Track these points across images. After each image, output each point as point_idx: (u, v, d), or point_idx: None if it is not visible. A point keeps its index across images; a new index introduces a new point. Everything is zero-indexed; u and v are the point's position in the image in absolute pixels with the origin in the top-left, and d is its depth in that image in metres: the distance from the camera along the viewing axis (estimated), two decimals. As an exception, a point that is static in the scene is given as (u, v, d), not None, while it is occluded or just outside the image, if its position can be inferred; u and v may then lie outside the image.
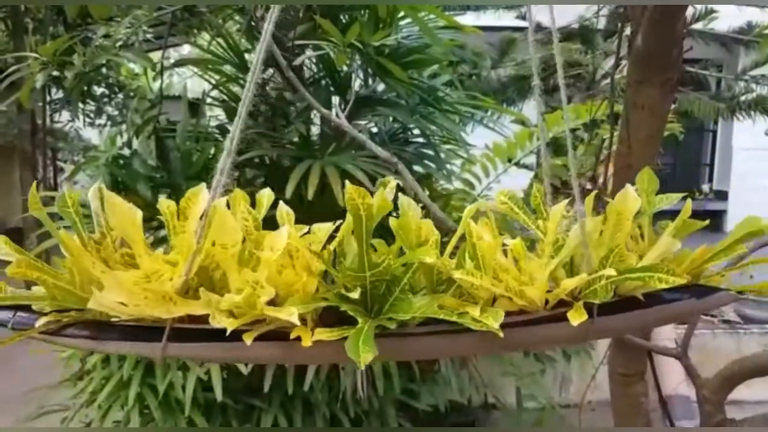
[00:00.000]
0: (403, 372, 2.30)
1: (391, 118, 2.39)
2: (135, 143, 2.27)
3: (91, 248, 0.60)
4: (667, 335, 2.08)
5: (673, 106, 3.13)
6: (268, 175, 2.25)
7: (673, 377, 1.91)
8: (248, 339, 0.54)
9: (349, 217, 0.59)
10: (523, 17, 3.72)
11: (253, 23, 2.09)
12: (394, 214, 0.62)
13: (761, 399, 2.31)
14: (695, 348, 2.10)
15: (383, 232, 0.61)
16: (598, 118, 2.49)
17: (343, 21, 2.10)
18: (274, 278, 0.56)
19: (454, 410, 2.72)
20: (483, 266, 0.59)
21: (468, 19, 3.37)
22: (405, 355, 0.71)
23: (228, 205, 0.61)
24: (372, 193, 0.59)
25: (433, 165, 2.33)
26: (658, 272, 0.55)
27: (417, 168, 2.28)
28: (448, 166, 2.48)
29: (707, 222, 0.64)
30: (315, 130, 2.39)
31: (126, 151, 2.29)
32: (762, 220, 0.59)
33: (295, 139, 2.19)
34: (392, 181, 0.63)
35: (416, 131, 2.42)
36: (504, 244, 0.61)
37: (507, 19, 3.89)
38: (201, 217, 0.59)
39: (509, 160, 3.06)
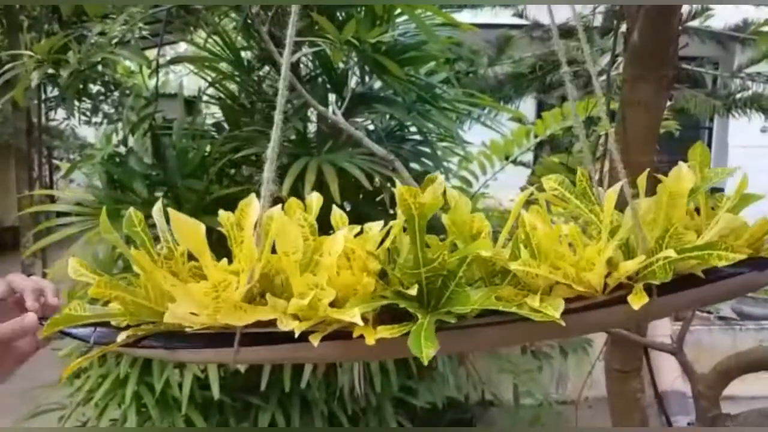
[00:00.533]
0: (400, 369, 2.31)
1: (387, 116, 2.39)
2: (131, 141, 2.27)
3: (161, 264, 0.63)
4: (662, 331, 2.08)
5: (669, 103, 3.13)
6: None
7: (668, 373, 1.92)
8: (315, 340, 0.56)
9: (400, 215, 0.60)
10: (520, 15, 3.72)
11: (249, 21, 2.08)
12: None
13: (756, 394, 2.32)
14: (691, 344, 2.11)
15: (429, 226, 0.61)
16: (594, 116, 2.49)
17: (340, 18, 2.10)
18: (334, 280, 0.58)
19: (452, 407, 2.72)
20: (539, 255, 0.60)
21: (465, 16, 3.37)
22: (466, 347, 0.75)
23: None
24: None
25: (430, 162, 2.33)
26: (717, 249, 0.55)
27: (414, 165, 2.28)
28: (445, 163, 2.49)
29: (765, 195, 0.64)
30: (312, 127, 2.39)
31: (122, 149, 2.28)
32: None
33: (292, 137, 2.19)
34: (439, 177, 0.63)
35: (413, 129, 2.42)
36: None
37: (504, 16, 3.89)
38: (255, 227, 0.61)
39: (506, 158, 3.07)
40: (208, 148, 2.23)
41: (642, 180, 0.65)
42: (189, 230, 0.61)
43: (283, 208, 0.64)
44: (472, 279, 0.62)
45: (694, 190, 0.62)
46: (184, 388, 2.08)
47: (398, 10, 2.03)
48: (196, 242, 0.61)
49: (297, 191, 1.79)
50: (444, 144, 2.51)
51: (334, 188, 1.79)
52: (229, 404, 2.21)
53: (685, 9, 2.95)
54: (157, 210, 0.66)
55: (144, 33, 2.42)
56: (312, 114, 2.33)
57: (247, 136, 2.16)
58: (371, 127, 2.39)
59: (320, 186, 1.80)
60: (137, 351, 0.65)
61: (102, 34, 2.00)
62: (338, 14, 2.11)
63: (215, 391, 2.05)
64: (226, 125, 2.41)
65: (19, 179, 5.52)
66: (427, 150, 2.36)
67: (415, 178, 1.79)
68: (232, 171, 2.29)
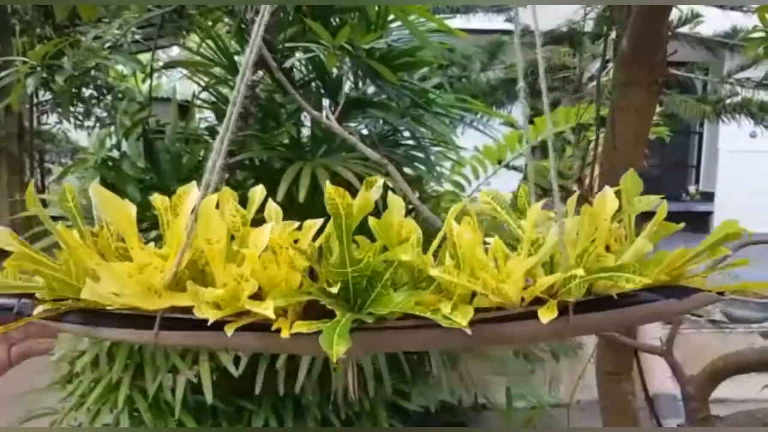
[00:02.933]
0: (394, 373, 2.32)
1: (381, 121, 2.40)
2: (124, 145, 2.27)
3: (89, 241, 0.63)
4: (653, 334, 2.10)
5: (659, 109, 3.16)
6: (259, 176, 2.26)
7: (659, 376, 1.94)
8: (229, 330, 0.57)
9: (332, 220, 0.61)
10: (511, 20, 3.75)
11: (243, 26, 2.09)
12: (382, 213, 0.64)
13: (747, 397, 2.34)
14: (681, 347, 2.13)
15: (369, 229, 0.63)
16: (585, 121, 2.51)
17: (334, 24, 2.11)
18: (259, 273, 0.58)
19: (445, 411, 2.73)
20: (462, 264, 0.60)
21: (458, 22, 3.40)
22: (381, 348, 0.73)
23: (217, 204, 0.64)
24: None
25: (423, 167, 2.34)
26: (625, 272, 0.56)
27: (407, 170, 2.29)
28: (438, 168, 2.50)
29: (682, 225, 0.66)
30: (305, 132, 2.40)
31: (115, 153, 2.28)
32: (737, 223, 0.61)
33: (286, 141, 2.20)
34: (379, 180, 0.64)
35: (406, 133, 2.43)
36: (485, 243, 0.62)
37: (496, 22, 3.92)
38: (192, 213, 0.62)
39: (499, 162, 3.09)
40: (201, 153, 2.23)
41: (572, 201, 0.66)
42: (117, 209, 0.62)
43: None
44: (400, 283, 0.63)
45: (620, 214, 0.64)
46: (177, 392, 2.08)
47: (392, 16, 2.05)
48: (124, 222, 0.62)
49: (291, 195, 1.80)
50: (437, 149, 2.53)
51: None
52: (222, 409, 2.21)
53: (674, 15, 2.99)
54: (92, 188, 0.65)
55: (137, 37, 2.42)
56: (306, 119, 2.34)
57: (241, 140, 2.17)
58: (365, 132, 2.40)
59: (314, 190, 1.81)
60: (59, 325, 0.65)
61: (96, 38, 2.00)
62: (332, 20, 2.12)
63: (208, 396, 2.05)
64: (219, 129, 2.41)
65: (11, 184, 5.49)
66: (421, 155, 2.37)
67: (409, 183, 1.81)
68: (226, 175, 2.29)
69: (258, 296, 0.58)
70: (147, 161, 2.21)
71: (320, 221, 0.64)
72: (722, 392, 1.39)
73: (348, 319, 0.57)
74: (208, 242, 0.59)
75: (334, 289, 0.58)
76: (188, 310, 0.59)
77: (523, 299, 0.59)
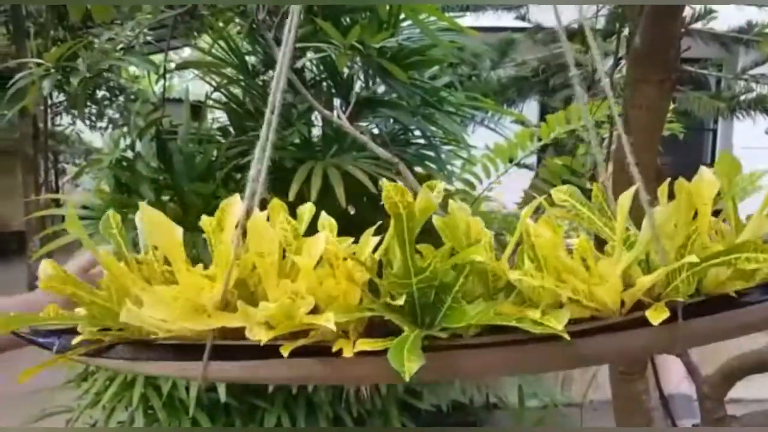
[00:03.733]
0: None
1: (392, 120, 2.40)
2: (138, 146, 2.29)
3: (133, 267, 0.60)
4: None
5: (673, 106, 3.14)
6: (270, 176, 2.26)
7: (674, 375, 1.92)
8: (285, 351, 0.51)
9: (392, 222, 0.54)
10: (522, 18, 3.73)
11: (254, 26, 2.10)
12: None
13: (763, 397, 2.32)
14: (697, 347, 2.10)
15: (432, 241, 0.56)
16: (598, 119, 2.50)
17: (344, 23, 2.11)
18: (315, 289, 0.53)
19: (457, 410, 2.73)
20: (545, 267, 0.52)
21: (468, 20, 3.39)
22: (461, 372, 0.58)
23: (267, 216, 0.60)
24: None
25: (434, 166, 2.34)
26: (745, 251, 0.46)
27: (418, 169, 2.29)
28: (448, 166, 2.50)
29: None
30: (316, 131, 2.40)
31: (129, 154, 2.30)
32: None
33: (297, 141, 2.21)
34: (440, 185, 0.58)
35: (417, 132, 2.43)
36: (567, 245, 0.54)
37: (506, 19, 3.91)
38: (237, 227, 0.58)
39: (510, 161, 3.08)
40: (214, 153, 2.25)
41: (663, 188, 0.57)
42: (163, 230, 0.58)
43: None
44: (472, 295, 0.55)
45: (719, 197, 0.54)
46: (191, 390, 2.09)
47: (402, 15, 2.05)
48: (169, 244, 0.57)
49: (303, 195, 1.80)
50: (448, 147, 2.52)
51: (340, 192, 1.80)
52: (236, 406, 2.22)
53: (688, 11, 2.96)
54: (139, 216, 0.61)
55: (149, 38, 2.44)
56: (317, 118, 2.34)
57: (253, 140, 2.17)
58: (376, 131, 2.40)
59: (326, 190, 1.81)
60: (100, 361, 0.60)
61: (110, 40, 2.02)
62: (343, 20, 2.12)
63: (222, 393, 2.07)
64: (232, 130, 2.43)
65: (26, 184, 5.55)
66: (432, 153, 2.37)
67: (420, 181, 1.81)
68: (239, 176, 2.30)
69: (315, 312, 0.53)
70: (160, 161, 2.22)
71: (373, 230, 0.58)
72: (738, 392, 1.38)
73: (418, 334, 0.50)
74: (260, 256, 0.54)
75: (399, 302, 0.52)
76: (240, 335, 0.53)
77: (622, 304, 0.50)
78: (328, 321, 0.49)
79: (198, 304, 0.54)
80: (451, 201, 0.59)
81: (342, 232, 0.61)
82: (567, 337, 0.47)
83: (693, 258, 0.47)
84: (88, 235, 0.67)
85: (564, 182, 2.93)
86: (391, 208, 0.53)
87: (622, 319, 0.50)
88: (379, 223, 0.60)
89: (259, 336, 0.51)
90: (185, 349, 0.55)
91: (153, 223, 0.58)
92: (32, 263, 4.87)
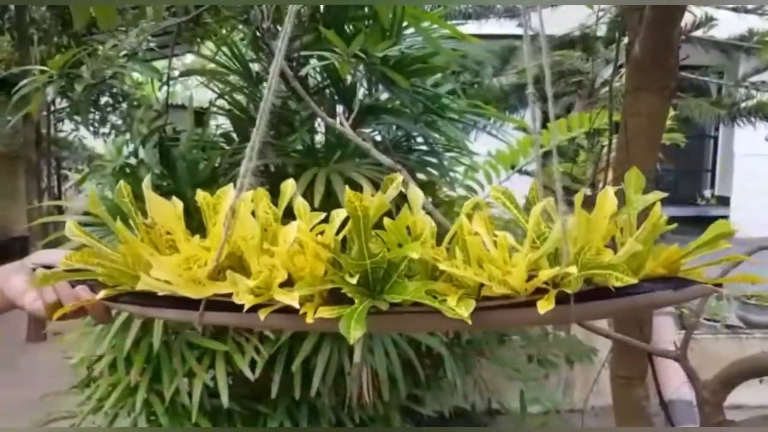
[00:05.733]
0: (408, 378, 2.32)
1: (394, 127, 2.42)
2: (141, 152, 2.31)
3: (143, 233, 0.73)
4: (667, 338, 2.09)
5: (674, 113, 3.15)
6: (273, 183, 2.28)
7: (674, 381, 1.93)
8: (263, 314, 0.65)
9: (351, 220, 0.68)
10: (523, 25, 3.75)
11: (258, 33, 2.12)
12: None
13: (763, 403, 2.33)
14: (698, 352, 2.12)
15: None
16: (598, 126, 2.51)
17: (348, 32, 2.13)
18: (287, 263, 0.67)
19: (459, 416, 2.74)
20: (470, 257, 0.66)
21: (470, 27, 3.41)
22: (394, 330, 0.86)
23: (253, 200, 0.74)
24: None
25: (436, 172, 2.36)
26: (616, 271, 0.62)
27: (420, 175, 2.31)
28: (451, 173, 2.51)
29: (675, 225, 0.70)
30: (319, 138, 2.42)
31: (132, 160, 2.32)
32: (729, 224, 0.66)
33: (300, 148, 2.23)
34: (398, 178, 0.72)
35: (420, 139, 2.45)
36: (495, 235, 0.69)
37: (508, 27, 3.93)
38: (228, 211, 0.71)
39: (512, 167, 3.09)
40: (218, 160, 2.26)
41: (578, 197, 0.70)
42: (163, 210, 0.72)
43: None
44: (414, 272, 0.70)
45: (617, 214, 0.68)
46: (194, 396, 2.10)
47: (405, 23, 2.07)
48: (170, 221, 0.72)
49: (306, 201, 1.81)
50: (450, 154, 2.54)
51: (343, 198, 1.81)
52: (238, 412, 2.23)
53: (688, 18, 2.98)
54: (145, 184, 0.75)
55: (152, 45, 2.46)
56: (320, 125, 2.36)
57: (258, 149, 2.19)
58: (378, 138, 2.42)
59: (329, 196, 1.83)
60: (118, 305, 0.75)
61: (113, 47, 2.04)
62: (346, 28, 2.14)
63: (224, 399, 2.07)
64: (235, 136, 2.44)
65: (29, 190, 5.57)
66: (434, 160, 2.38)
67: (422, 188, 1.82)
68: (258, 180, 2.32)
69: (288, 283, 0.67)
70: (164, 168, 2.24)
71: (344, 212, 0.71)
72: (738, 398, 1.39)
73: (365, 306, 0.65)
74: (244, 239, 0.69)
75: (354, 280, 0.66)
76: (229, 295, 0.68)
77: (526, 290, 0.65)
78: (293, 300, 0.64)
79: (195, 277, 0.68)
80: (411, 194, 0.72)
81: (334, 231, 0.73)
82: (469, 322, 0.62)
83: (573, 269, 0.62)
84: (102, 237, 0.80)
85: (564, 189, 2.94)
86: (350, 211, 0.66)
87: (526, 298, 0.64)
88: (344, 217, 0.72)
89: (245, 301, 0.65)
90: (185, 301, 0.69)
91: (153, 201, 0.72)
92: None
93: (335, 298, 0.67)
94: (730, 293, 4.05)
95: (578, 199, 0.69)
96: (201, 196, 0.74)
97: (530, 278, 0.64)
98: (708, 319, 3.80)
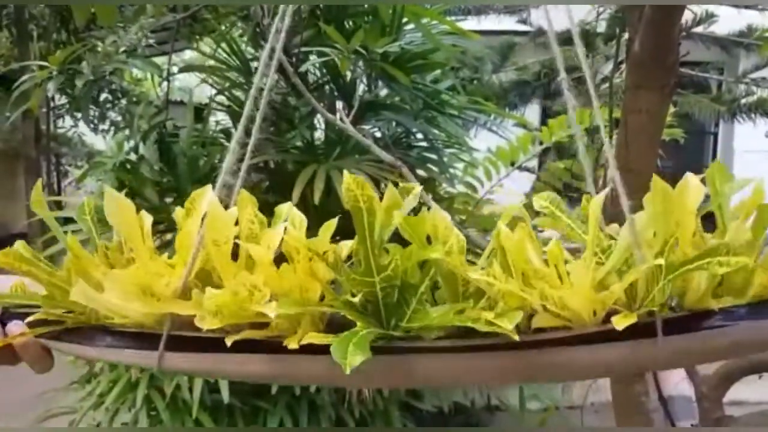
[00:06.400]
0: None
1: (394, 123, 2.42)
2: (141, 148, 2.31)
3: (101, 254, 0.58)
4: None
5: (674, 109, 3.15)
6: (273, 179, 2.28)
7: (673, 377, 1.93)
8: (229, 340, 0.49)
9: (353, 216, 0.52)
10: (524, 21, 3.75)
11: (258, 30, 2.12)
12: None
13: (762, 399, 2.33)
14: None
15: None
16: (598, 123, 2.51)
17: (348, 27, 2.13)
18: (273, 282, 0.50)
19: (458, 412, 2.74)
20: (513, 271, 0.49)
21: (469, 23, 3.40)
22: (417, 377, 0.51)
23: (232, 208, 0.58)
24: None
25: (436, 169, 2.35)
26: (716, 255, 0.43)
27: (420, 172, 2.31)
28: (451, 169, 2.51)
29: None
30: (319, 134, 2.42)
31: (132, 156, 2.32)
32: None
33: (299, 144, 2.22)
34: (416, 188, 0.54)
35: (419, 135, 2.45)
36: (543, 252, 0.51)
37: (508, 23, 3.92)
38: (204, 217, 0.55)
39: (512, 164, 3.09)
40: (218, 156, 2.26)
41: (649, 198, 0.53)
42: (122, 211, 0.56)
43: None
44: (441, 301, 0.52)
45: (704, 206, 0.51)
46: (195, 391, 2.10)
47: (405, 19, 2.06)
48: (128, 226, 0.56)
49: (305, 198, 1.82)
50: (450, 150, 2.54)
51: (343, 195, 1.81)
52: (239, 407, 2.23)
53: (689, 15, 2.98)
54: (105, 192, 0.59)
55: (152, 41, 2.46)
56: (319, 121, 2.36)
57: (256, 143, 2.19)
58: (378, 134, 2.42)
59: (328, 192, 1.83)
60: (55, 344, 0.58)
61: (113, 43, 2.04)
62: (346, 24, 2.14)
63: (225, 395, 2.08)
64: (234, 132, 2.44)
65: (28, 186, 5.56)
66: (434, 156, 2.38)
67: (421, 184, 1.82)
68: (245, 177, 2.32)
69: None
70: (164, 164, 2.24)
71: (334, 220, 0.56)
72: (738, 394, 1.39)
73: (371, 331, 0.47)
74: (216, 244, 0.52)
75: (357, 299, 0.49)
76: (195, 327, 0.51)
77: (594, 314, 0.47)
78: (271, 310, 0.47)
79: (151, 290, 0.53)
80: (434, 211, 0.55)
81: (345, 235, 0.58)
82: (515, 336, 0.45)
83: (660, 260, 0.44)
84: (88, 239, 0.66)
85: (565, 185, 2.94)
86: (350, 202, 0.50)
87: (595, 329, 0.46)
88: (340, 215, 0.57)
89: (207, 324, 0.49)
90: (142, 337, 0.54)
91: (117, 208, 0.56)
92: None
93: (335, 328, 0.49)
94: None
95: (649, 198, 0.50)
96: (179, 213, 0.58)
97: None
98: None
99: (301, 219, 0.58)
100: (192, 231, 0.54)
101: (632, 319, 0.43)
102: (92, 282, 0.55)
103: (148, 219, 0.58)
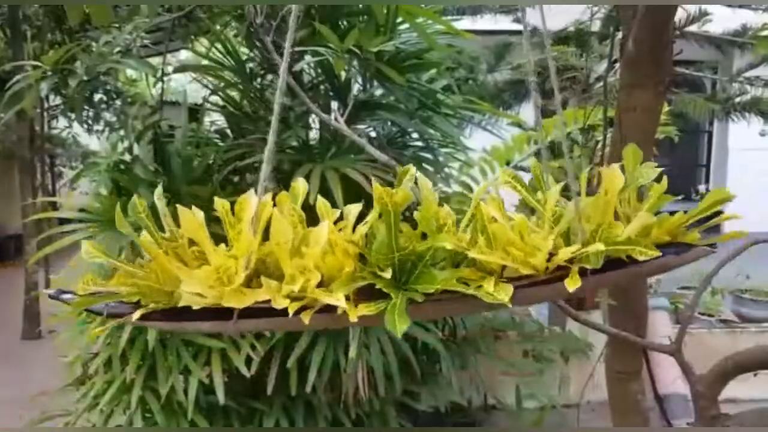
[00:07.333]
0: (404, 374, 2.32)
1: (389, 122, 2.42)
2: (135, 149, 2.30)
3: (167, 247, 0.73)
4: (663, 333, 2.10)
5: (668, 108, 3.16)
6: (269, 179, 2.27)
7: (669, 375, 1.94)
8: (306, 317, 0.67)
9: (377, 207, 0.71)
10: (518, 21, 3.75)
11: (252, 29, 2.11)
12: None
13: (756, 397, 2.34)
14: (693, 346, 2.12)
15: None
16: (592, 122, 2.52)
17: (342, 27, 2.13)
18: (319, 263, 0.69)
19: (455, 411, 2.74)
20: (494, 242, 0.71)
21: (464, 23, 3.40)
22: (430, 316, 0.88)
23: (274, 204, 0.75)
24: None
25: (431, 168, 2.35)
26: (639, 246, 0.67)
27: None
28: (446, 169, 2.51)
29: (681, 196, 0.77)
30: (314, 134, 2.41)
31: (127, 157, 2.31)
32: (727, 191, 0.73)
33: (295, 144, 2.22)
34: (411, 169, 0.75)
35: (415, 135, 2.45)
36: (510, 219, 0.73)
37: (503, 23, 3.92)
38: (253, 220, 0.71)
39: (507, 163, 3.09)
40: (212, 156, 2.25)
41: (583, 179, 0.76)
42: (190, 221, 0.72)
43: (274, 202, 0.75)
44: (437, 259, 0.73)
45: (624, 188, 0.73)
46: (190, 393, 2.09)
47: (400, 19, 2.06)
48: (195, 231, 0.72)
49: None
50: (445, 150, 2.54)
51: (338, 194, 1.81)
52: (234, 409, 2.23)
53: (682, 14, 2.98)
54: (157, 195, 0.75)
55: (146, 42, 2.45)
56: (315, 121, 2.36)
57: (251, 143, 2.19)
58: (373, 134, 2.41)
59: (324, 192, 1.82)
60: (148, 323, 0.74)
61: (107, 43, 2.03)
62: (340, 23, 2.14)
63: (220, 396, 2.07)
64: (229, 132, 2.44)
65: (23, 187, 5.54)
66: (429, 156, 2.38)
67: (416, 182, 1.82)
68: (236, 178, 2.31)
69: (321, 284, 0.68)
70: (158, 164, 2.23)
71: (358, 206, 0.75)
72: (733, 392, 1.39)
73: (402, 299, 0.67)
74: (278, 244, 0.69)
75: (387, 274, 0.69)
76: (266, 301, 0.68)
77: (547, 268, 0.69)
78: (339, 300, 0.65)
79: (233, 284, 0.68)
80: (424, 182, 0.75)
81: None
82: (510, 305, 0.66)
83: (601, 246, 0.66)
84: (85, 239, 0.78)
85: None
86: (381, 207, 0.69)
87: (547, 277, 0.69)
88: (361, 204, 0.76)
89: (285, 305, 0.66)
90: (218, 312, 0.69)
91: (182, 215, 0.72)
92: (29, 267, 4.86)
93: (367, 293, 0.69)
94: (724, 288, 4.06)
95: (583, 181, 0.74)
96: (219, 204, 0.73)
97: (549, 257, 0.69)
98: (703, 314, 3.81)
99: (326, 204, 0.77)
100: (247, 233, 0.71)
101: (578, 283, 0.67)
102: (172, 276, 0.70)
103: (200, 213, 0.73)
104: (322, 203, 0.78)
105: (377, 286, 0.69)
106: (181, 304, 0.69)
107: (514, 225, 0.71)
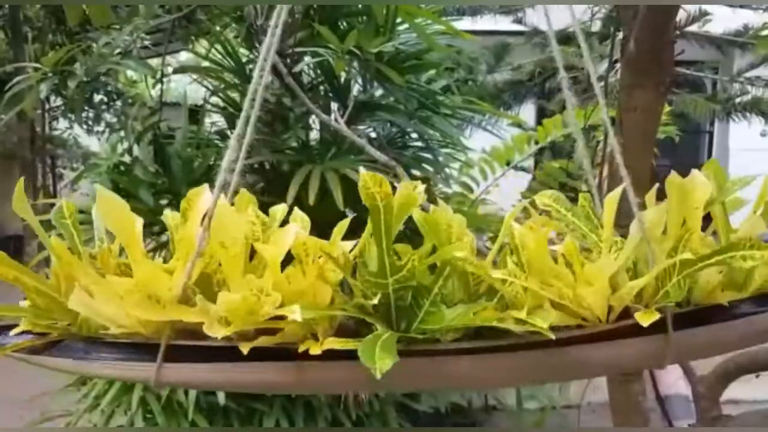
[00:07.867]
0: (403, 374, 2.32)
1: (389, 123, 2.41)
2: (136, 150, 2.29)
3: (86, 260, 0.55)
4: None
5: (669, 108, 3.16)
6: (268, 180, 2.27)
7: (670, 376, 1.93)
8: (245, 348, 0.46)
9: (369, 215, 0.49)
10: (519, 21, 3.75)
11: (252, 31, 2.11)
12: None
13: (758, 398, 2.33)
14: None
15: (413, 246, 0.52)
16: (593, 122, 2.51)
17: (342, 28, 2.13)
18: (282, 286, 0.47)
19: (455, 412, 2.74)
20: (529, 269, 0.48)
21: (464, 24, 3.40)
22: (440, 380, 0.50)
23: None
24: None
25: (431, 169, 2.35)
26: (741, 249, 0.42)
27: (415, 172, 2.30)
28: (446, 169, 2.51)
29: None
30: (314, 135, 2.41)
31: (127, 158, 2.31)
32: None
33: (294, 145, 2.22)
34: (420, 185, 0.54)
35: (414, 135, 2.44)
36: (552, 252, 0.50)
37: (503, 23, 3.92)
38: (204, 218, 0.52)
39: (507, 164, 3.09)
40: (212, 158, 2.25)
41: (651, 195, 0.53)
42: (121, 218, 0.51)
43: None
44: (452, 300, 0.50)
45: (710, 202, 0.50)
46: (190, 393, 2.09)
47: (399, 19, 2.06)
48: (124, 228, 0.52)
49: (301, 199, 1.81)
50: (445, 150, 2.53)
51: (338, 195, 1.81)
52: (234, 409, 2.22)
53: (683, 14, 2.98)
54: (97, 192, 0.55)
55: (146, 43, 2.45)
56: (314, 122, 2.35)
57: (251, 144, 2.18)
58: (373, 135, 2.41)
59: (324, 193, 1.82)
60: (41, 359, 0.52)
61: (107, 44, 2.03)
62: (340, 24, 2.14)
63: (221, 397, 2.07)
64: (230, 134, 2.43)
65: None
66: (429, 156, 2.38)
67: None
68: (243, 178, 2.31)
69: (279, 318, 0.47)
70: (158, 166, 2.23)
71: (346, 221, 0.54)
72: (734, 393, 1.39)
73: (392, 334, 0.45)
74: (223, 246, 0.48)
75: (373, 301, 0.47)
76: (199, 335, 0.47)
77: (609, 312, 0.46)
78: (293, 313, 0.44)
79: (154, 296, 0.48)
80: (442, 205, 0.56)
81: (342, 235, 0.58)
82: (551, 335, 0.43)
83: (687, 255, 0.42)
84: (85, 240, 0.63)
85: (561, 185, 2.94)
86: (367, 200, 0.48)
87: (610, 326, 0.46)
88: (351, 217, 0.56)
89: (217, 332, 0.46)
90: (138, 348, 0.50)
91: (111, 209, 0.52)
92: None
93: (347, 332, 0.48)
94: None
95: (651, 195, 0.52)
96: (170, 217, 0.56)
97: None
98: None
99: (303, 218, 0.56)
100: (191, 233, 0.51)
101: (655, 316, 0.43)
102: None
103: (139, 220, 0.55)
104: (299, 216, 0.57)
105: (359, 320, 0.48)
106: (70, 305, 0.49)
107: (560, 252, 0.49)
